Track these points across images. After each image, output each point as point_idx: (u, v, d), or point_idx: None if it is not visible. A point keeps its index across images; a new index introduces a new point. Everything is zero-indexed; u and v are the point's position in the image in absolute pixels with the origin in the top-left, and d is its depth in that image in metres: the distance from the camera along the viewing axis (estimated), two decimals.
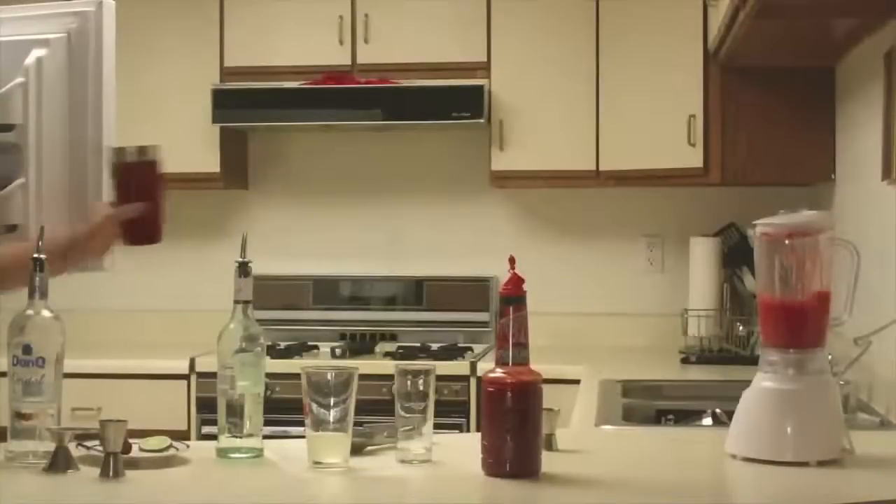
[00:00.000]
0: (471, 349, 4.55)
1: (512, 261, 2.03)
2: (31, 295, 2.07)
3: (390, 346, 4.63)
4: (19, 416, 2.03)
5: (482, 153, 4.64)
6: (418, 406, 2.09)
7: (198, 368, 4.27)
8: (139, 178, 2.36)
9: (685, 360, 4.24)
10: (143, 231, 2.36)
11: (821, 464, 2.06)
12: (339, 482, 2.01)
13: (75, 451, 2.01)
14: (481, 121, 4.47)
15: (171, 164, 4.95)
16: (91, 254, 2.36)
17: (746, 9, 3.03)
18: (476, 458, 1.99)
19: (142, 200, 2.34)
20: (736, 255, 4.40)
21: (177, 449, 2.09)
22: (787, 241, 2.15)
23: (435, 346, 4.60)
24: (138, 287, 4.98)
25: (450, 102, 4.47)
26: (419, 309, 4.79)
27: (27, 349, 2.03)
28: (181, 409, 4.28)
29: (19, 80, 2.37)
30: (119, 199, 2.36)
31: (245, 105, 4.57)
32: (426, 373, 2.11)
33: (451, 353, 4.47)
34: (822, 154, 4.05)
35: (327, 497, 1.99)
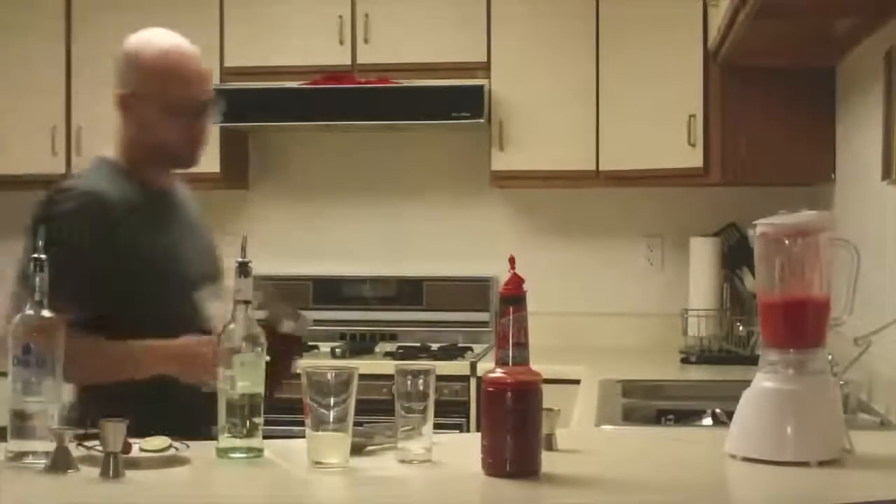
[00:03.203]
0: (471, 349, 4.55)
1: (512, 261, 2.03)
2: (31, 295, 2.07)
3: (390, 346, 4.63)
4: (19, 416, 2.03)
5: (482, 153, 4.64)
6: (418, 406, 2.09)
7: None
8: (281, 346, 2.41)
9: (685, 360, 4.24)
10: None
11: (821, 464, 2.06)
12: (339, 482, 2.00)
13: (75, 451, 2.01)
14: (481, 121, 4.46)
15: None
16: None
17: (746, 9, 3.03)
18: (476, 458, 1.99)
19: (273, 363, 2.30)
20: (736, 255, 4.40)
21: (177, 449, 2.09)
22: (786, 241, 2.15)
23: (435, 346, 4.60)
24: None
25: (450, 102, 4.47)
26: (419, 309, 4.79)
27: (27, 349, 2.03)
28: None
29: None
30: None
31: (245, 105, 4.57)
32: (426, 373, 2.11)
33: (451, 353, 4.47)
34: (822, 154, 4.05)
35: (327, 497, 1.99)
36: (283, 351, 2.42)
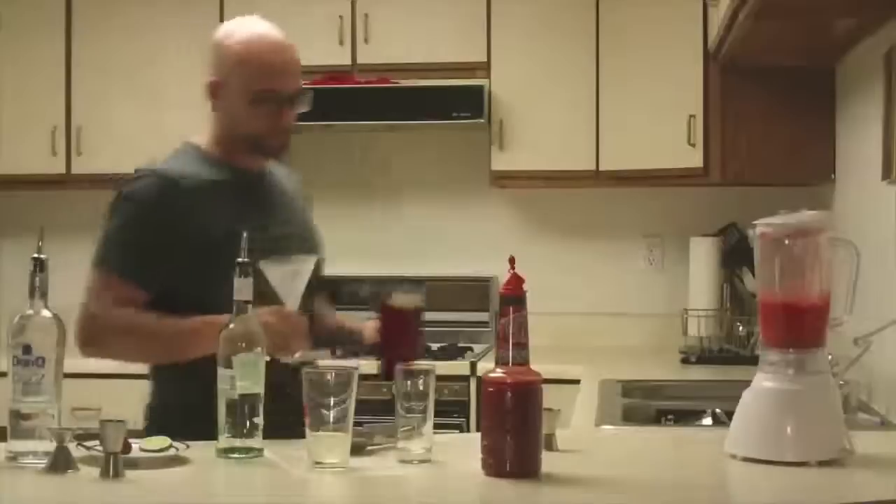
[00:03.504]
0: (471, 349, 4.54)
1: (512, 261, 2.03)
2: (31, 295, 2.07)
3: None
4: (19, 416, 2.04)
5: (482, 153, 4.64)
6: (418, 406, 2.09)
7: None
8: (394, 321, 2.46)
9: (685, 360, 4.24)
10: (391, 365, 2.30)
11: (821, 464, 2.06)
12: (339, 482, 2.00)
13: (75, 451, 2.01)
14: (481, 121, 4.46)
15: None
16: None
17: (746, 9, 3.03)
18: (476, 458, 1.99)
19: (395, 342, 2.36)
20: (736, 255, 4.39)
21: (177, 449, 2.09)
22: (787, 241, 2.15)
23: (435, 346, 4.60)
24: None
25: (450, 102, 4.47)
26: None
27: (27, 349, 2.04)
28: None
29: None
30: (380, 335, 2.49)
31: None
32: (426, 373, 2.11)
33: (451, 353, 4.47)
34: (822, 154, 4.05)
35: (327, 497, 1.99)
36: (397, 325, 2.44)
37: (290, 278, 2.36)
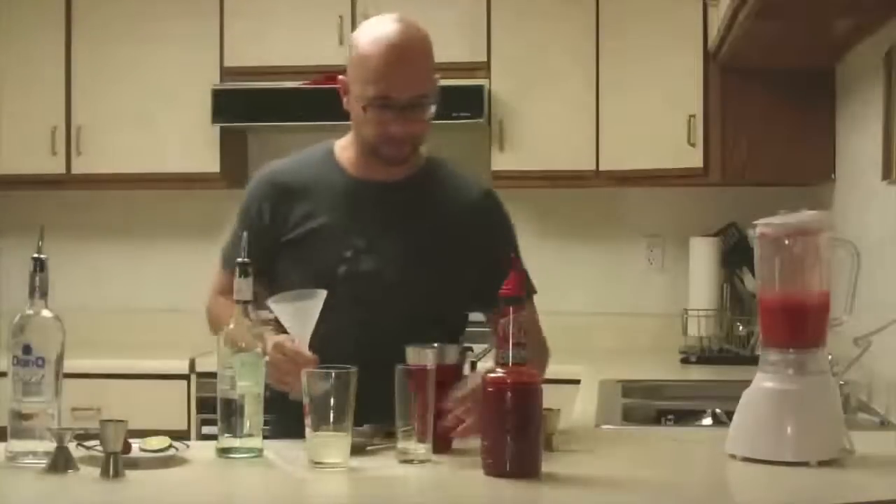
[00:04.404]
0: (471, 349, 4.53)
1: (512, 260, 2.04)
2: (31, 295, 2.07)
3: None
4: (19, 416, 2.04)
5: (482, 153, 4.64)
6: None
7: (198, 368, 4.27)
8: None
9: (685, 360, 4.24)
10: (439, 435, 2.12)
11: (821, 464, 2.06)
12: (339, 482, 2.00)
13: (75, 451, 2.01)
14: (481, 121, 4.46)
15: (171, 164, 4.97)
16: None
17: (746, 9, 3.03)
18: (476, 458, 2.00)
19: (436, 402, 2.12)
20: (736, 255, 4.40)
21: (177, 449, 2.09)
22: (787, 241, 2.15)
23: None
24: (138, 287, 4.98)
25: (450, 102, 4.45)
26: None
27: (27, 349, 2.04)
28: (181, 409, 4.28)
29: None
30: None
31: (245, 105, 4.56)
32: (426, 373, 2.11)
33: None
34: (822, 154, 4.05)
35: (327, 497, 1.99)
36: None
37: (300, 314, 2.23)
